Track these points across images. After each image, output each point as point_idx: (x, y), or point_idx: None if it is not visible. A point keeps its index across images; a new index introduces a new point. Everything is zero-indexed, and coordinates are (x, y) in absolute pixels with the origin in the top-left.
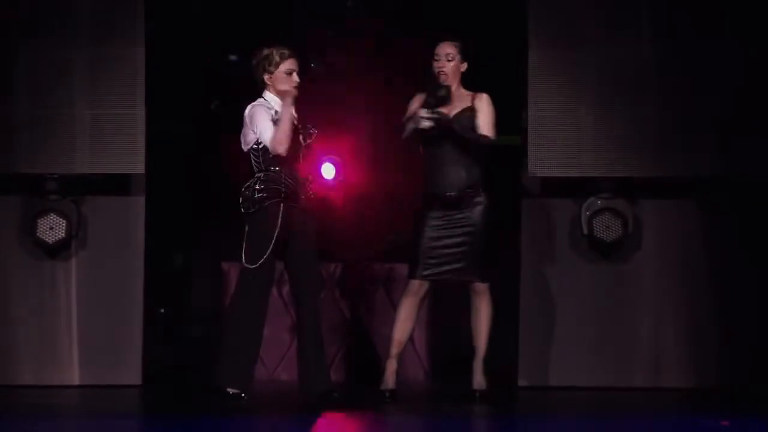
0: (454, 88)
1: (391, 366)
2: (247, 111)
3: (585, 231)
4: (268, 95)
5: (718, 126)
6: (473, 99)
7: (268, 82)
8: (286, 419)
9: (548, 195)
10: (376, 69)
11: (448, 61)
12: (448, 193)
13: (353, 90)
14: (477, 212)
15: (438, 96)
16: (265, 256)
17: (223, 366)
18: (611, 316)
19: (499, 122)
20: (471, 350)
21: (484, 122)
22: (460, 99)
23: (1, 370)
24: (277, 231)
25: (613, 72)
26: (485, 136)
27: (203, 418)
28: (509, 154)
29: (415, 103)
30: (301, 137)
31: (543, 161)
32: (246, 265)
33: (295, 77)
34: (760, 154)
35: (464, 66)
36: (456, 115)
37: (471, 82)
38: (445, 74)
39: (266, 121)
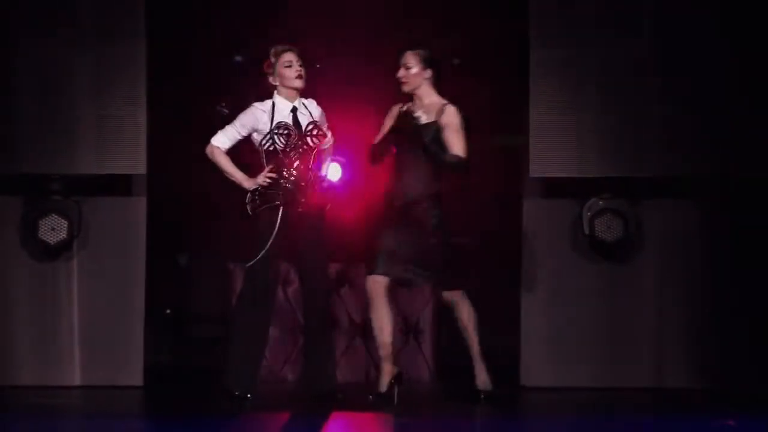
0: (420, 95)
1: (387, 369)
2: None
3: (586, 231)
4: (278, 98)
5: (719, 125)
6: (439, 113)
7: (276, 83)
8: (291, 420)
9: (549, 195)
10: (377, 68)
11: (407, 69)
12: (396, 202)
13: (357, 89)
14: (429, 225)
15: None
16: (258, 257)
17: (228, 368)
18: (613, 317)
19: (500, 124)
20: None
21: (455, 141)
22: (428, 110)
23: (2, 371)
24: (274, 233)
25: (614, 72)
26: (457, 157)
27: (206, 419)
28: (510, 155)
29: (391, 116)
30: (310, 139)
31: (544, 162)
32: (245, 266)
33: (296, 67)
34: (761, 154)
35: (428, 73)
36: (422, 128)
37: (473, 82)
38: (404, 83)
39: (240, 122)
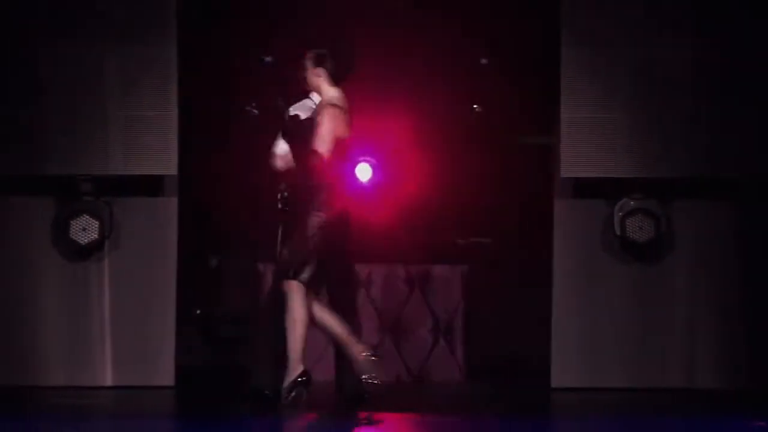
0: (319, 93)
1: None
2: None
3: (617, 232)
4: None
5: (752, 125)
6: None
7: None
8: (319, 420)
9: (580, 195)
10: (406, 67)
11: (304, 70)
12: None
13: (386, 89)
14: (300, 215)
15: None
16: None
17: (259, 368)
18: (644, 317)
19: (531, 124)
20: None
21: (317, 134)
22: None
23: (34, 371)
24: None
25: (646, 71)
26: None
27: (237, 419)
28: (541, 155)
29: None
30: None
31: (576, 162)
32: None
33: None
34: None
35: (320, 71)
36: (297, 122)
37: (503, 81)
38: (302, 83)
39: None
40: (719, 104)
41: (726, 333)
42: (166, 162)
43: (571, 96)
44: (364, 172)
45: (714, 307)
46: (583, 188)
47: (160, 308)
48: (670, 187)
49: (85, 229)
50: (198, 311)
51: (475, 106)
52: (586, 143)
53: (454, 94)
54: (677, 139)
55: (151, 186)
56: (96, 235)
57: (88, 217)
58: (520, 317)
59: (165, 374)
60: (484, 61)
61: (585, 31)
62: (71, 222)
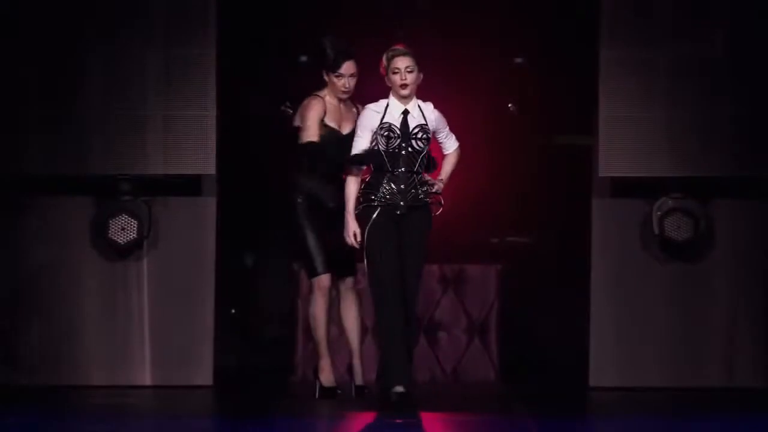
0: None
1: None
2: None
3: (656, 231)
4: (391, 99)
5: None
6: None
7: (389, 85)
8: (357, 420)
9: (618, 195)
10: (447, 65)
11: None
12: None
13: (424, 88)
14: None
15: None
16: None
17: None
18: (683, 316)
19: (569, 123)
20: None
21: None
22: None
23: (73, 371)
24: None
25: (685, 71)
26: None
27: (274, 420)
28: (579, 154)
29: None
30: (415, 143)
31: (614, 161)
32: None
33: (403, 75)
34: None
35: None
36: None
37: (542, 80)
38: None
39: (360, 128)
40: (761, 103)
41: (766, 332)
42: (205, 162)
43: (609, 95)
44: None
45: (754, 306)
46: (621, 188)
47: (199, 308)
48: (710, 187)
49: (123, 229)
50: (233, 311)
51: (510, 104)
52: (624, 142)
53: (490, 94)
54: (717, 139)
55: (190, 186)
56: (135, 235)
57: (127, 216)
58: (556, 316)
59: (203, 374)
60: (518, 60)
61: (624, 30)
62: (110, 222)
